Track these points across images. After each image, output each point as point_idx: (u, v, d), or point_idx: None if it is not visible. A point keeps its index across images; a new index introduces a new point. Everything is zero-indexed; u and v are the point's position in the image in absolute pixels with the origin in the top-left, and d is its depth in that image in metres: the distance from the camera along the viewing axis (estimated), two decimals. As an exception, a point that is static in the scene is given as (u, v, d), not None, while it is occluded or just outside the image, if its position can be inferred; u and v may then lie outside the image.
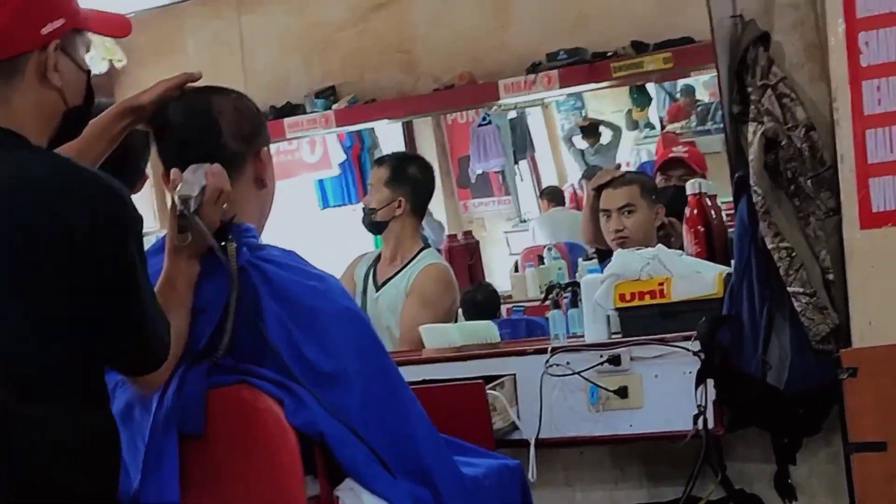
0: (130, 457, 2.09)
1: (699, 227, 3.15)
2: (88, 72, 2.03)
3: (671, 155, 4.74)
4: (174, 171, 2.16)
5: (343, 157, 7.77)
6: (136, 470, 2.09)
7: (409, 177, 4.07)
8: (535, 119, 8.47)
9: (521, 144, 8.27)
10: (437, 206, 7.81)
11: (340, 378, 2.16)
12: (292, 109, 6.30)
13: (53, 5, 1.94)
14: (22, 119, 1.90)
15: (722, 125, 7.26)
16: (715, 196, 3.18)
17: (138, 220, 1.91)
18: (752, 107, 2.91)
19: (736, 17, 2.99)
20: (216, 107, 2.25)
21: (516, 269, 6.78)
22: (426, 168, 4.23)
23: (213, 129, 2.23)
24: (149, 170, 2.89)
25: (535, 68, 5.88)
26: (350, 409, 2.14)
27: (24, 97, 1.91)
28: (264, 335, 2.14)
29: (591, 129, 8.47)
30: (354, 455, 2.10)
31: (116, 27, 2.15)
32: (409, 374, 2.35)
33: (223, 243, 2.19)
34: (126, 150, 2.40)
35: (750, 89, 2.92)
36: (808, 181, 2.88)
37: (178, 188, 2.12)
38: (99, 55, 5.22)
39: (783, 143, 2.86)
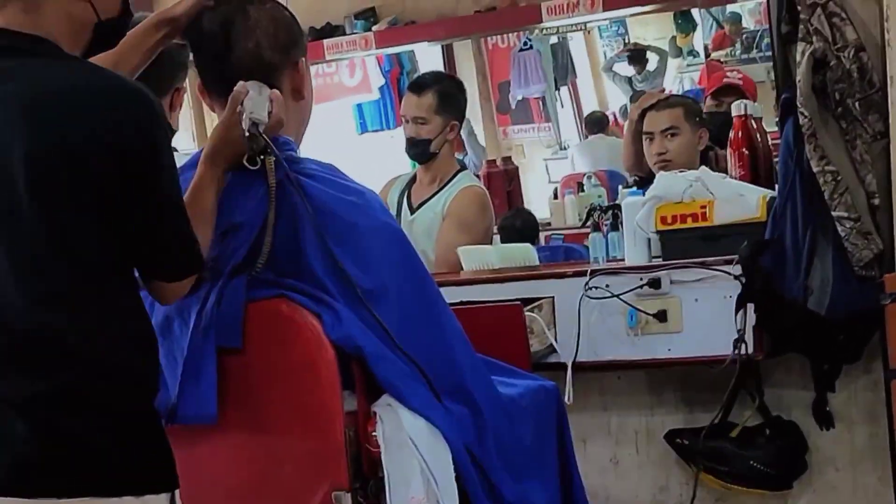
0: (169, 370, 2.10)
1: (744, 149, 3.09)
2: None
3: (726, 80, 4.66)
4: (241, 85, 2.15)
5: (382, 81, 7.73)
6: (174, 383, 2.10)
7: (455, 98, 4.01)
8: (576, 45, 8.36)
9: (563, 70, 8.18)
10: (477, 131, 7.78)
11: (379, 294, 2.15)
12: (332, 31, 6.27)
13: None
14: (52, 27, 1.89)
15: (768, 54, 7.18)
16: (760, 119, 3.12)
17: (169, 129, 1.90)
18: (801, 26, 2.83)
19: (789, -67, 2.90)
20: (252, 16, 2.22)
21: (555, 197, 6.74)
22: (461, 84, 4.18)
23: (249, 38, 2.20)
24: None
25: (579, -10, 5.80)
26: (389, 324, 2.13)
27: (54, 5, 1.89)
28: (302, 250, 2.14)
29: (637, 56, 8.35)
30: (392, 371, 2.10)
31: None
32: (448, 295, 2.34)
33: (262, 156, 2.18)
34: (155, 65, 2.37)
35: (799, 8, 2.84)
36: (856, 103, 2.81)
37: (249, 109, 2.11)
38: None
39: (832, 63, 2.79)
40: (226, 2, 2.25)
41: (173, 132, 2.45)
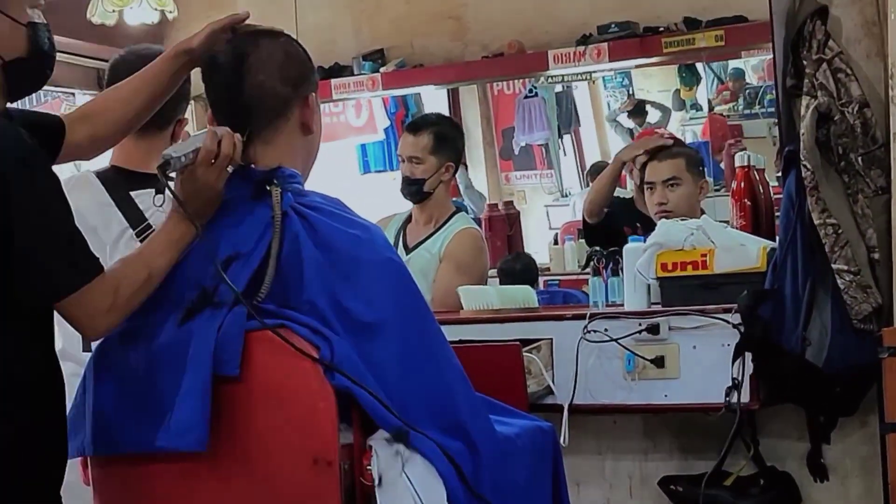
0: (167, 398, 2.09)
1: (745, 199, 3.12)
2: (33, 24, 2.08)
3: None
4: (184, 132, 2.19)
5: (388, 122, 7.77)
6: (170, 411, 2.09)
7: (451, 140, 4.04)
8: (581, 94, 8.42)
9: (566, 119, 8.23)
10: (479, 176, 7.82)
11: (379, 328, 2.15)
12: (340, 71, 6.32)
13: None
14: None
15: (770, 109, 7.22)
16: (763, 170, 3.15)
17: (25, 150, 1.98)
18: (807, 80, 2.87)
19: (795, -10, 2.95)
20: (265, 49, 2.25)
21: (556, 243, 6.77)
22: (459, 127, 4.21)
23: (260, 71, 2.23)
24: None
25: (585, 40, 5.87)
26: (387, 360, 2.13)
27: None
28: (304, 282, 2.14)
29: (638, 110, 8.42)
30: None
31: None
32: (447, 333, 2.33)
33: (268, 188, 2.20)
34: None
35: (805, 63, 2.89)
36: (859, 158, 2.84)
37: (170, 150, 2.14)
38: (150, 5, 5.24)
39: (836, 118, 2.83)
40: (240, 34, 2.28)
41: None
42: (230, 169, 2.17)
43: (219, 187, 2.16)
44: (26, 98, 2.36)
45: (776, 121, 3.12)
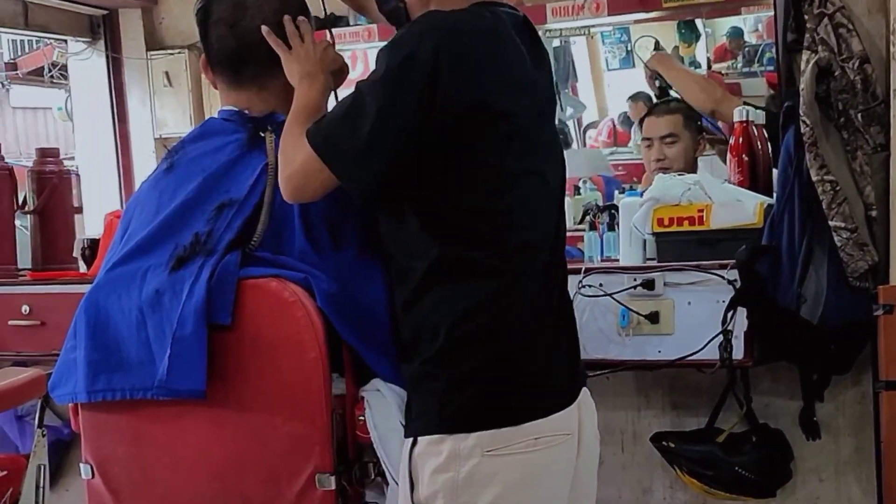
0: (158, 344, 2.08)
1: (743, 155, 3.09)
2: None
3: None
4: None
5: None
6: (162, 356, 2.08)
7: None
8: (579, 49, 8.36)
9: (564, 73, 8.17)
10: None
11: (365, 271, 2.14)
12: (335, 21, 6.24)
13: None
14: None
15: (769, 68, 7.16)
16: (762, 125, 3.11)
17: None
18: (807, 35, 2.84)
19: (798, -58, 2.91)
20: None
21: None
22: None
23: (256, 13, 2.20)
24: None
25: (584, -6, 5.81)
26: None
27: None
28: (297, 228, 2.13)
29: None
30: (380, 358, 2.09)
31: None
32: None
33: (262, 134, 2.18)
34: None
35: (806, 17, 2.85)
36: (859, 114, 2.81)
37: None
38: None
39: (836, 73, 2.80)
40: None
41: None
42: None
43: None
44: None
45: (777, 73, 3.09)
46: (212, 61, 2.26)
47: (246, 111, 2.23)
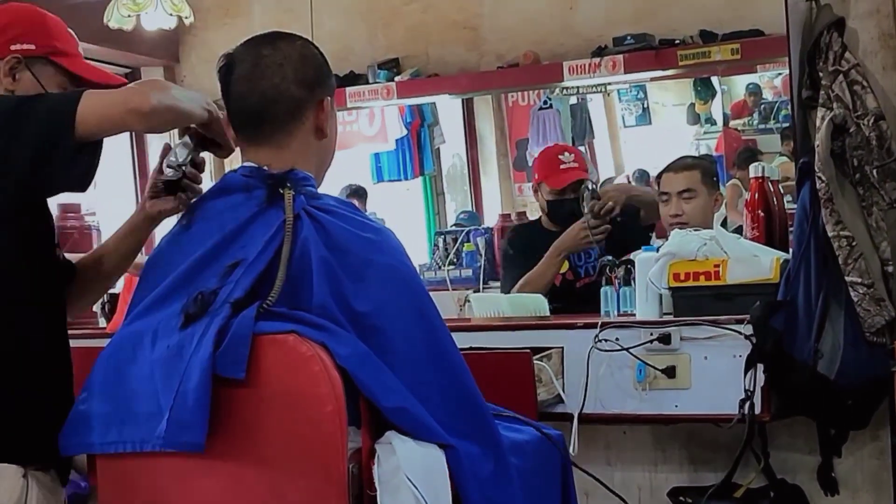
0: (165, 398, 2.09)
1: (759, 210, 3.11)
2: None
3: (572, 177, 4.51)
4: (165, 145, 2.33)
5: (401, 132, 7.78)
6: (167, 408, 2.09)
7: None
8: (595, 106, 8.42)
9: (581, 131, 8.23)
10: (493, 186, 7.83)
11: (388, 331, 2.15)
12: (354, 79, 6.32)
13: (28, 32, 2.35)
14: None
15: (784, 124, 7.19)
16: (777, 181, 3.14)
17: None
18: (822, 92, 2.86)
19: (811, 1, 2.94)
20: (281, 51, 2.25)
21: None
22: None
23: (276, 73, 2.23)
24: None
25: (600, 52, 5.87)
26: (397, 364, 2.13)
27: None
28: (313, 285, 2.14)
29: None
30: (399, 399, 2.09)
31: (97, 76, 2.41)
32: (457, 340, 2.33)
33: (281, 191, 2.20)
34: None
35: (821, 74, 2.88)
36: (874, 171, 2.83)
37: (166, 159, 2.31)
38: (166, 11, 5.26)
39: (851, 130, 2.82)
40: (258, 37, 2.29)
41: None
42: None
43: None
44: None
45: (791, 135, 3.11)
46: (232, 118, 2.29)
47: (265, 168, 2.25)
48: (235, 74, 2.26)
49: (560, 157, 4.39)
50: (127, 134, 6.28)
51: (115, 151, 6.29)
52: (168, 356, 2.10)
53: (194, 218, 2.29)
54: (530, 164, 8.04)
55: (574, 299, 4.00)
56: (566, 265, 4.21)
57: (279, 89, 2.23)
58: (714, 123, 8.58)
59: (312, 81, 2.28)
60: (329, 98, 2.32)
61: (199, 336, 2.08)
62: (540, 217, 4.54)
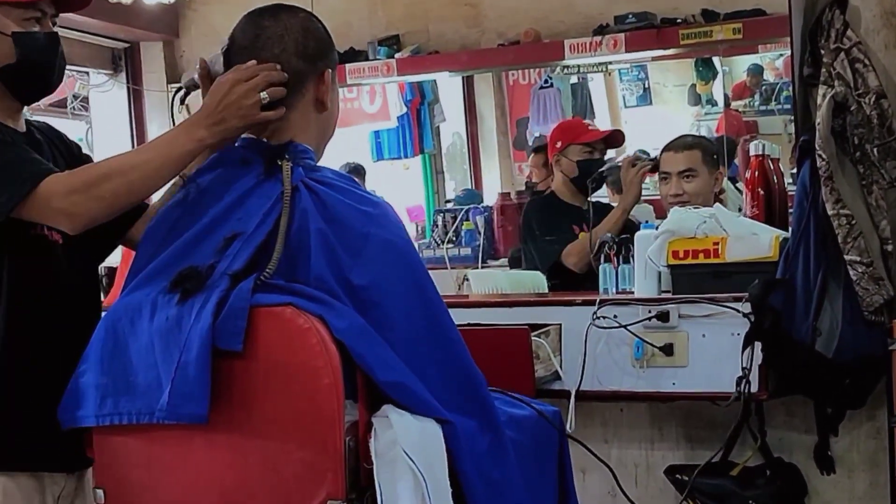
0: (165, 369, 2.09)
1: (759, 189, 3.10)
2: (17, 34, 2.26)
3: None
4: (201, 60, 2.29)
5: (402, 110, 7.76)
6: (167, 380, 2.08)
7: None
8: (596, 85, 8.40)
9: (581, 110, 8.21)
10: (492, 165, 7.82)
11: (385, 306, 2.14)
12: (354, 56, 6.30)
13: None
14: None
15: (786, 106, 7.18)
16: (777, 159, 3.13)
17: None
18: (824, 70, 2.85)
19: (813, -21, 2.92)
20: (283, 23, 2.24)
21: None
22: None
23: (277, 44, 2.22)
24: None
25: (602, 30, 5.84)
26: (394, 338, 2.12)
27: None
28: (311, 258, 2.13)
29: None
30: (395, 373, 2.09)
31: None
32: (455, 316, 2.33)
33: (279, 162, 2.19)
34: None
35: (822, 52, 2.86)
36: (875, 149, 2.82)
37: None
38: (167, -15, 5.24)
39: (852, 108, 2.81)
40: (260, 8, 2.28)
41: None
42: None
43: (245, 112, 2.19)
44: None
45: (792, 117, 3.10)
46: None
47: (264, 140, 2.24)
48: (236, 46, 2.26)
49: (585, 122, 4.64)
50: (126, 110, 6.27)
51: (115, 128, 6.29)
52: (167, 327, 2.09)
53: (192, 189, 2.28)
54: (531, 143, 8.04)
55: (587, 275, 3.98)
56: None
57: (279, 60, 2.22)
58: (715, 104, 8.56)
59: (314, 53, 2.26)
60: (331, 71, 2.31)
61: (199, 308, 2.08)
62: (550, 191, 4.55)
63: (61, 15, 2.40)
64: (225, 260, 2.12)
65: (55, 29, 2.37)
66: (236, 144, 2.30)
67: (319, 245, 2.14)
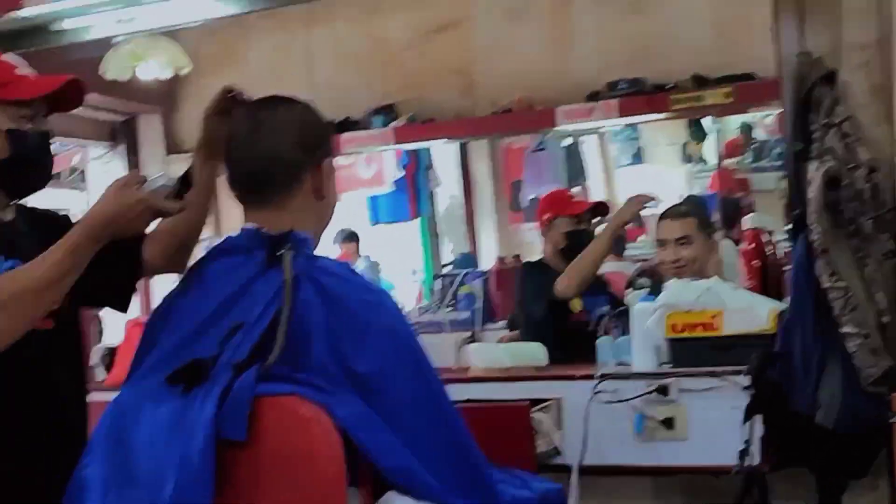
0: (168, 461, 2.09)
1: (755, 261, 3.13)
2: (12, 131, 2.32)
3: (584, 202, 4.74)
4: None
5: (397, 174, 7.80)
6: (173, 475, 2.09)
7: None
8: (589, 147, 8.44)
9: (575, 172, 8.25)
10: (488, 228, 7.84)
11: (387, 392, 2.16)
12: (351, 125, 6.34)
13: None
14: None
15: (778, 163, 7.23)
16: (772, 231, 3.16)
17: None
18: (815, 144, 2.89)
19: (803, 55, 2.97)
20: (280, 115, 2.28)
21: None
22: None
23: (274, 136, 2.26)
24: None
25: (594, 97, 5.89)
26: (397, 422, 2.14)
27: None
28: (313, 347, 2.15)
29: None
30: (400, 460, 2.10)
31: (32, 90, 2.37)
32: (455, 391, 2.34)
33: (279, 253, 2.22)
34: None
35: (814, 127, 2.91)
36: (868, 222, 2.85)
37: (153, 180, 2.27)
38: (163, 62, 5.29)
39: (845, 182, 2.84)
40: (258, 100, 2.32)
41: None
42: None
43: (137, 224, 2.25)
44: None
45: (784, 174, 3.13)
46: (231, 182, 2.31)
47: (264, 229, 2.27)
48: (235, 138, 2.29)
49: (569, 192, 4.80)
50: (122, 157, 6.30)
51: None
52: (171, 419, 2.10)
53: (196, 279, 2.31)
54: (525, 205, 8.07)
55: (582, 340, 4.01)
56: (579, 305, 4.26)
57: (277, 152, 2.25)
58: (707, 162, 8.60)
59: (311, 144, 2.29)
60: (328, 160, 2.34)
61: (202, 399, 2.09)
62: (542, 259, 4.60)
63: None
64: (228, 350, 2.14)
65: (47, 129, 2.41)
66: (238, 234, 2.32)
67: (322, 334, 2.15)
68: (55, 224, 2.50)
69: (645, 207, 4.14)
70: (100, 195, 2.24)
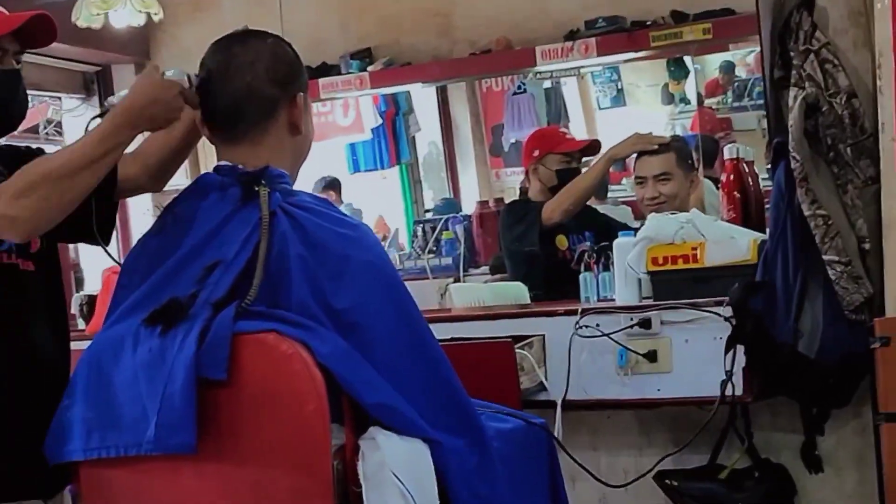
0: (151, 401, 2.08)
1: (735, 192, 3.12)
2: None
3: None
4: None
5: (376, 121, 7.75)
6: (155, 413, 2.08)
7: None
8: (570, 89, 8.40)
9: (556, 114, 8.20)
10: (469, 173, 7.82)
11: (368, 328, 2.15)
12: (327, 70, 6.30)
13: None
14: None
15: (759, 102, 7.21)
16: (752, 162, 3.14)
17: None
18: (794, 72, 2.86)
19: (780, -19, 2.94)
20: (252, 49, 2.25)
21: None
22: None
23: (248, 71, 2.22)
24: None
25: (573, 35, 5.86)
26: (378, 359, 2.13)
27: None
28: (292, 282, 2.13)
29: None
30: (381, 396, 2.09)
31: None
32: (439, 331, 2.34)
33: (256, 188, 2.19)
34: None
35: (792, 54, 2.88)
36: (848, 149, 2.83)
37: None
38: (135, 8, 5.22)
39: (824, 109, 2.82)
40: (229, 35, 2.28)
41: None
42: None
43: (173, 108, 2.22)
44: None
45: (765, 113, 3.11)
46: (206, 118, 2.29)
47: (240, 166, 2.24)
48: (207, 75, 2.26)
49: (561, 130, 4.73)
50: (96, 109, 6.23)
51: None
52: (151, 359, 2.09)
53: (171, 219, 2.29)
54: (506, 149, 8.04)
55: (567, 278, 4.00)
56: (565, 243, 4.24)
57: (251, 87, 2.23)
58: (689, 103, 8.57)
59: (284, 78, 2.27)
60: (302, 94, 2.31)
61: (182, 338, 2.08)
62: (526, 197, 4.56)
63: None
64: (206, 289, 2.12)
65: (18, 67, 2.36)
66: (213, 172, 2.30)
67: (300, 270, 2.14)
68: (29, 158, 2.44)
69: (648, 148, 4.06)
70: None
